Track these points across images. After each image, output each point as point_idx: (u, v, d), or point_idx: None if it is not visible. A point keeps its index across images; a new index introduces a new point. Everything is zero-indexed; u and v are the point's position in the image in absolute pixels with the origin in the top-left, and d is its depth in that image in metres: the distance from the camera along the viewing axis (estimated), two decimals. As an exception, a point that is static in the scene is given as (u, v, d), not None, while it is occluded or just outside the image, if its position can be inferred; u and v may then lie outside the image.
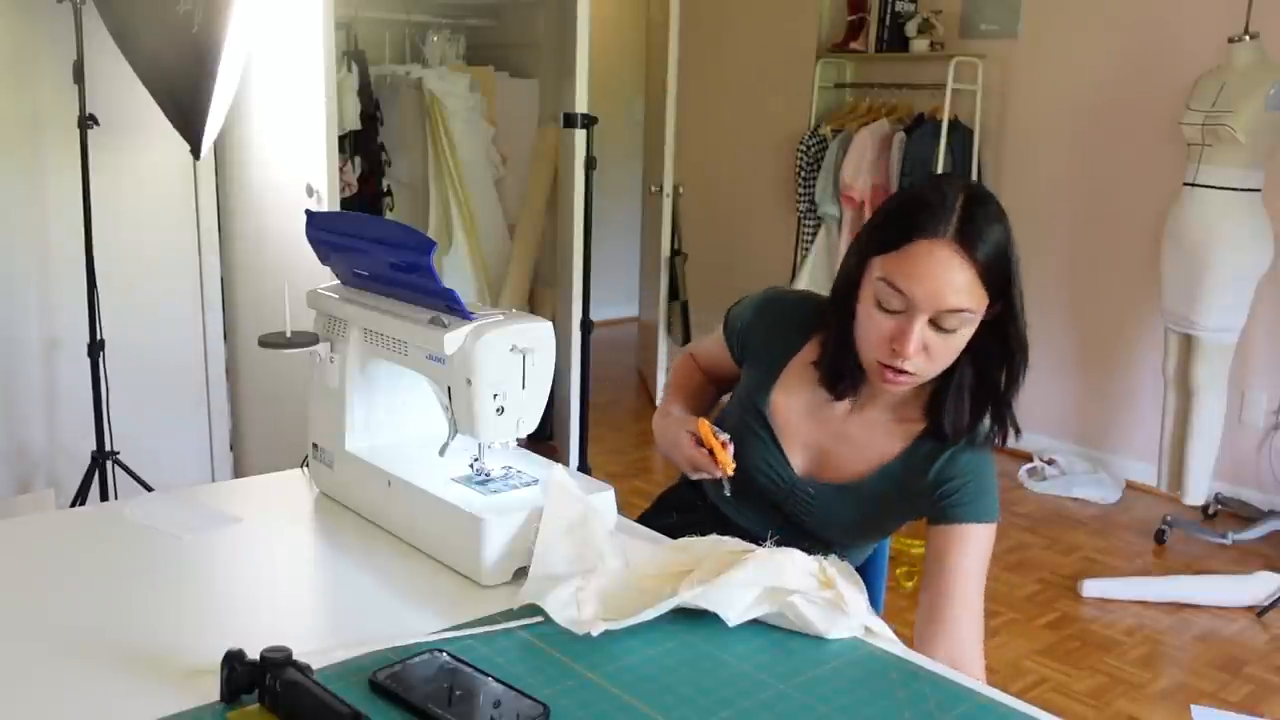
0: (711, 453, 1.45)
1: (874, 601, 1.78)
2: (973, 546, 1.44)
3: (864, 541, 1.65)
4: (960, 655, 1.37)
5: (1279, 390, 3.99)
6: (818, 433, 1.55)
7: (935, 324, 1.35)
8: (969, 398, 1.44)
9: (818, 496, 1.55)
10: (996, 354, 1.42)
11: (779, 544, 1.29)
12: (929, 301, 1.33)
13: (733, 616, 1.18)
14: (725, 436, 1.47)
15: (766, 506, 1.59)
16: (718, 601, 1.18)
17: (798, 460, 1.55)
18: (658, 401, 1.74)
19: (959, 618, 1.40)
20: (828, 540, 1.57)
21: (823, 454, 1.55)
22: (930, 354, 1.37)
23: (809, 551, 1.28)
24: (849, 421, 1.53)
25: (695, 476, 1.52)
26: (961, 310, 1.34)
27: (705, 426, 1.47)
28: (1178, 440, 3.82)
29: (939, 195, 1.35)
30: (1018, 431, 1.47)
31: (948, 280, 1.32)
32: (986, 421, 1.46)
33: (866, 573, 1.78)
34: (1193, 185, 3.60)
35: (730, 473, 1.45)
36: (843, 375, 1.49)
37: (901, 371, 1.38)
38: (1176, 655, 2.99)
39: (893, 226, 1.38)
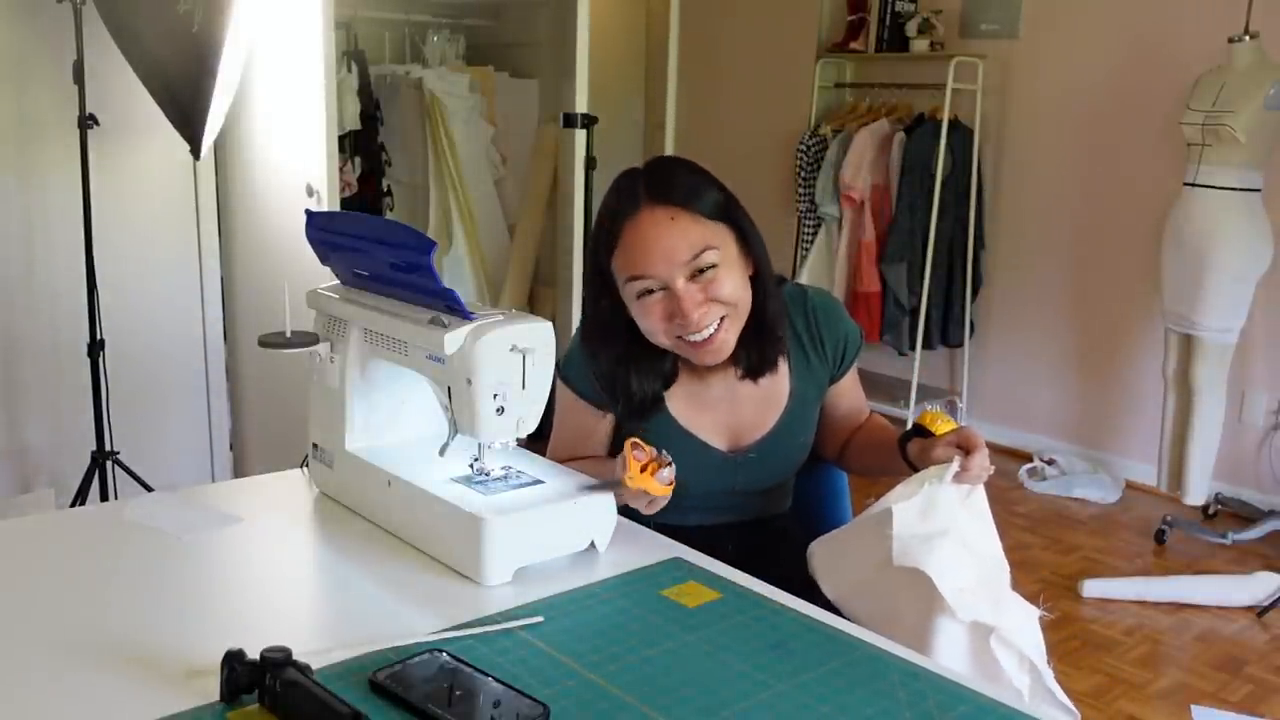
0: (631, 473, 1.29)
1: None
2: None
3: (802, 461, 1.68)
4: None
5: (1279, 390, 3.99)
6: (716, 414, 1.58)
7: (693, 276, 1.40)
8: (759, 318, 1.50)
9: (760, 457, 1.60)
10: (763, 272, 1.49)
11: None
12: (669, 264, 1.39)
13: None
14: (642, 455, 1.31)
15: (710, 498, 1.60)
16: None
17: (720, 442, 1.59)
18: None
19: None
20: (775, 488, 1.66)
21: (733, 426, 1.59)
22: (714, 298, 1.41)
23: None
24: (730, 388, 1.57)
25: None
26: (701, 251, 1.39)
27: (628, 446, 1.31)
28: (1178, 440, 3.81)
29: (624, 179, 1.44)
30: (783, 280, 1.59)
31: (670, 237, 1.38)
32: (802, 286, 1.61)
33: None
34: (1193, 185, 3.60)
35: (636, 489, 1.30)
36: (652, 380, 1.52)
37: (706, 340, 1.43)
38: (1176, 655, 2.99)
39: (604, 229, 1.44)
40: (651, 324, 1.44)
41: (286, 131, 3.28)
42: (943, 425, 1.45)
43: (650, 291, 1.42)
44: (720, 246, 1.41)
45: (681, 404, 1.58)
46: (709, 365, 1.49)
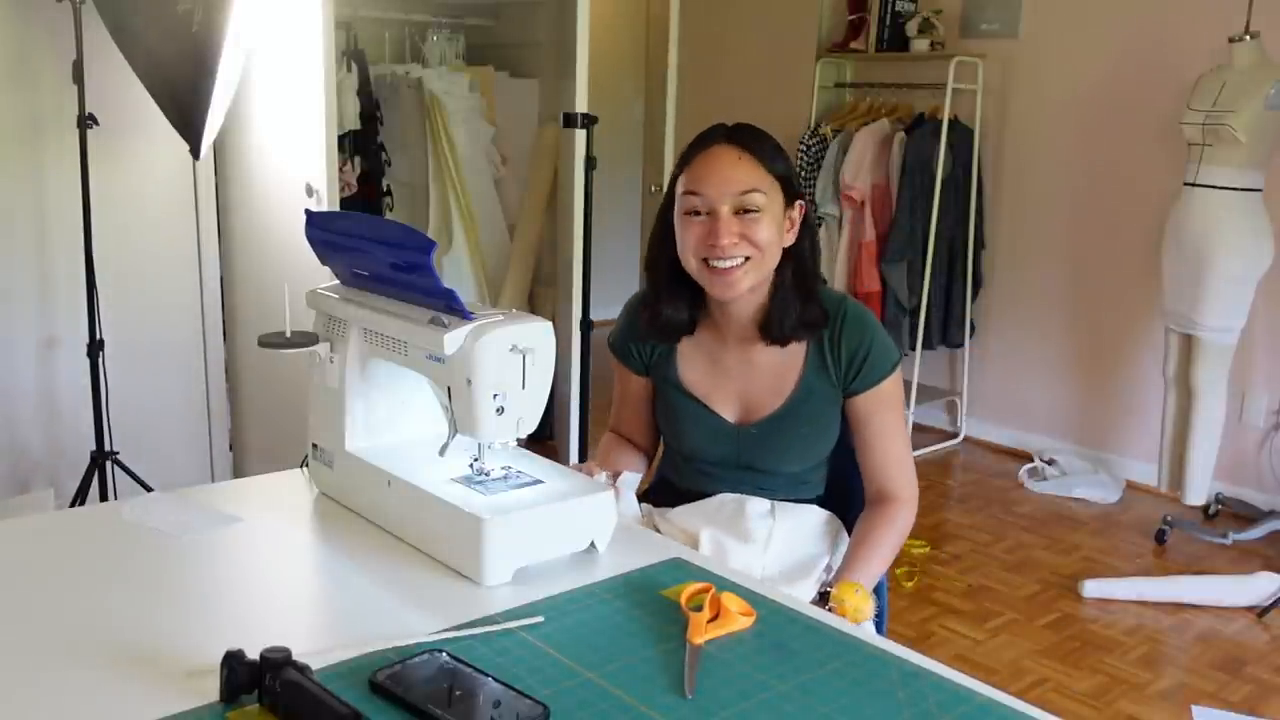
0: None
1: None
2: (892, 398, 1.64)
3: (817, 459, 1.71)
4: (909, 517, 1.63)
5: (1279, 390, 3.99)
6: (731, 382, 1.68)
7: (738, 211, 1.54)
8: (794, 288, 1.61)
9: (761, 434, 1.66)
10: (805, 247, 1.63)
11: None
12: (722, 189, 1.54)
13: None
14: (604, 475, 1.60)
15: (726, 469, 1.71)
16: None
17: (730, 412, 1.68)
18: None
19: (906, 481, 1.64)
20: (790, 474, 1.69)
21: (746, 397, 1.67)
22: (747, 236, 1.54)
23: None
24: (747, 359, 1.66)
25: None
26: (752, 190, 1.54)
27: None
28: (1178, 440, 3.81)
29: (713, 126, 1.61)
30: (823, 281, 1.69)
31: (732, 168, 1.54)
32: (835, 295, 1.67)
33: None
34: (1193, 185, 3.60)
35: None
36: (680, 311, 1.66)
37: (726, 270, 1.55)
38: (1177, 655, 2.99)
39: (683, 158, 1.61)
40: (687, 241, 1.57)
41: (286, 131, 3.28)
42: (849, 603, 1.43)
43: (697, 213, 1.56)
44: (768, 196, 1.55)
45: (699, 366, 1.69)
46: (721, 297, 1.59)
